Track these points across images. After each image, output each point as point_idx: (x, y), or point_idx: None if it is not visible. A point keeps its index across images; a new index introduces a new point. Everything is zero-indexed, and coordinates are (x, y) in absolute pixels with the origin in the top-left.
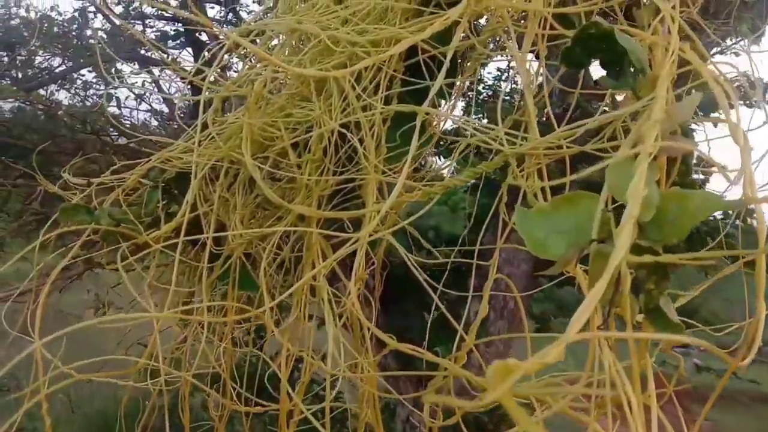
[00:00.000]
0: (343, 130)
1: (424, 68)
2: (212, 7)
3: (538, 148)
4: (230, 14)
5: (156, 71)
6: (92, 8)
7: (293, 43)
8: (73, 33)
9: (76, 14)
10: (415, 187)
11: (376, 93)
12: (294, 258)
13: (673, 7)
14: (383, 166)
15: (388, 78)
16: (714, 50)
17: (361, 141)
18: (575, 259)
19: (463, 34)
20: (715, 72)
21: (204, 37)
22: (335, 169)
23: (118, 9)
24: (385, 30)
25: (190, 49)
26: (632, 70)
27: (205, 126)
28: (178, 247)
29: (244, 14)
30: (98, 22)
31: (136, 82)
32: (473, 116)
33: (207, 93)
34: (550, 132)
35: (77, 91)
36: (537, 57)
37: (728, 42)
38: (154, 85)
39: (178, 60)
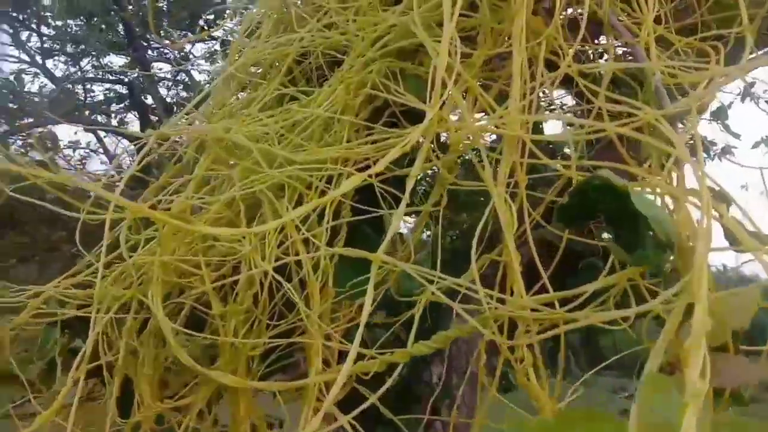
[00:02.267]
0: (278, 277)
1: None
2: (159, 68)
3: (524, 308)
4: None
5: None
6: (31, 70)
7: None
8: (10, 96)
9: (11, 77)
10: (370, 354)
11: (320, 221)
12: None
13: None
14: (330, 316)
15: (335, 204)
16: None
17: (302, 282)
18: None
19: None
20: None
21: (149, 101)
22: (269, 322)
23: (58, 72)
24: (330, 149)
25: (135, 112)
26: (651, 234)
27: (113, 248)
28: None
29: (195, 73)
30: (35, 85)
31: (80, 142)
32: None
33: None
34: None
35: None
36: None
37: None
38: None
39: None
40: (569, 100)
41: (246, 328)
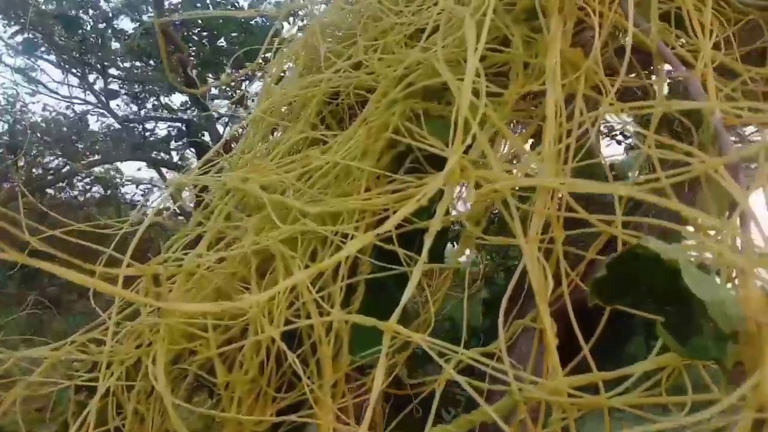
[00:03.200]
0: (284, 347)
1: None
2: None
3: (560, 391)
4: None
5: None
6: (96, 111)
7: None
8: (73, 137)
9: (77, 118)
10: None
11: (335, 277)
12: None
13: None
14: (343, 388)
15: (350, 261)
16: None
17: (313, 346)
18: None
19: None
20: None
21: (207, 137)
22: (276, 394)
23: (121, 112)
24: (346, 201)
25: (193, 149)
26: (708, 321)
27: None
28: None
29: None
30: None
31: (144, 179)
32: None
33: None
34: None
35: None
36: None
37: None
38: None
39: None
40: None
41: (251, 399)
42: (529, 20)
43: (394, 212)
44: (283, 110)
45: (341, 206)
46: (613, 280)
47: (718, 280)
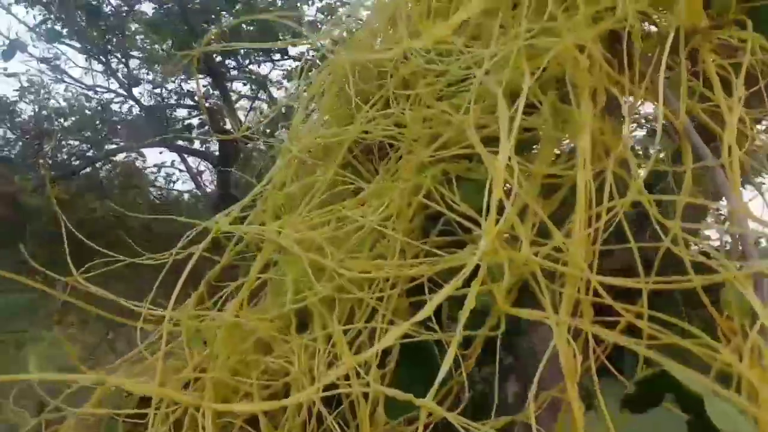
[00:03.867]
0: (323, 409)
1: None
2: (239, 92)
3: None
4: (260, 93)
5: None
6: (118, 99)
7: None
8: (97, 123)
9: (99, 106)
10: None
11: (371, 341)
12: None
13: None
14: None
15: (387, 321)
16: None
17: (351, 404)
18: None
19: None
20: None
21: (228, 125)
22: None
23: (144, 99)
24: (380, 265)
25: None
26: None
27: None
28: None
29: (274, 90)
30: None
31: (165, 162)
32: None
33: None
34: None
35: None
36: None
37: None
38: (183, 163)
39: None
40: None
41: None
42: (558, 87)
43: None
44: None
45: (376, 272)
46: (640, 397)
47: (739, 414)
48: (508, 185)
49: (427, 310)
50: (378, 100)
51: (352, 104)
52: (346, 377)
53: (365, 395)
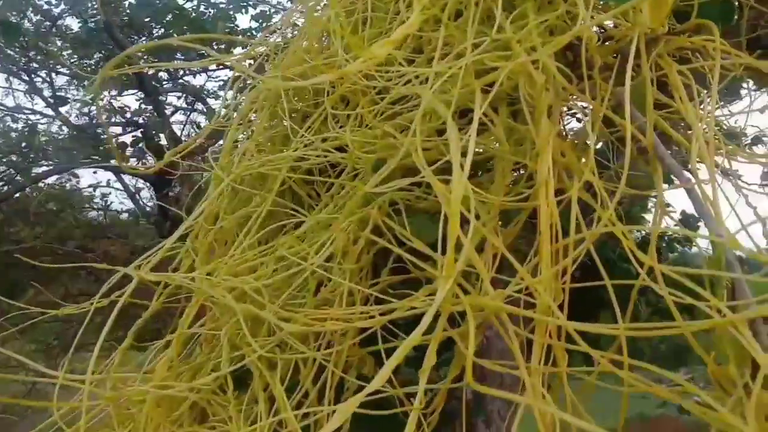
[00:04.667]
0: None
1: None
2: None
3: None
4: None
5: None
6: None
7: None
8: (24, 147)
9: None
10: None
11: (320, 401)
12: None
13: None
14: None
15: (335, 383)
16: None
17: None
18: None
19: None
20: None
21: (164, 141)
22: None
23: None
24: (326, 314)
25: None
26: None
27: None
28: None
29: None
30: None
31: (101, 182)
32: None
33: None
34: None
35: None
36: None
37: None
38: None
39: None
40: None
41: None
42: (510, 103)
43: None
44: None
45: (322, 323)
46: None
47: None
48: (463, 216)
49: (379, 380)
50: (315, 120)
51: (286, 126)
52: None
53: None
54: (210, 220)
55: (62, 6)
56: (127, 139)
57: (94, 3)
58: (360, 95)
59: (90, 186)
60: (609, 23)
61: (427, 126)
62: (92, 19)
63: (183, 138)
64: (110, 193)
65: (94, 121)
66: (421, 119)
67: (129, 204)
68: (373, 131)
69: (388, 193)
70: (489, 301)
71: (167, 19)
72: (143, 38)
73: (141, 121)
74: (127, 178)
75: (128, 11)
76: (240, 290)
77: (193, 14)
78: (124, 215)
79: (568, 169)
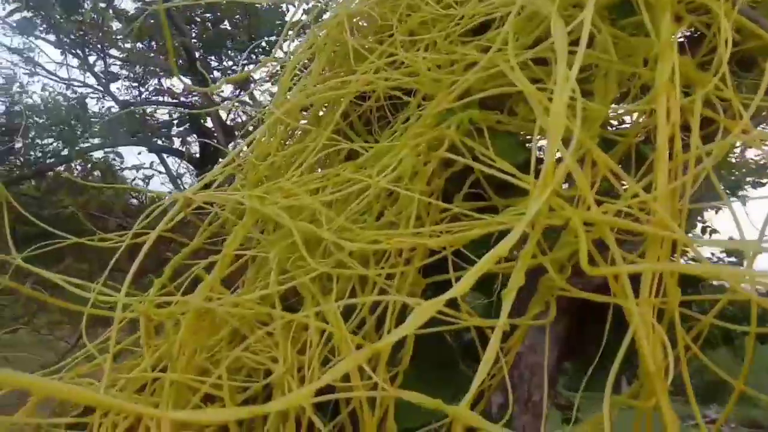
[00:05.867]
0: (318, 420)
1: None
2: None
3: None
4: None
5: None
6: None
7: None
8: (72, 120)
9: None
10: None
11: (378, 331)
12: None
13: None
14: None
15: (397, 311)
16: None
17: (353, 415)
18: None
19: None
20: None
21: (209, 123)
22: None
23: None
24: (392, 235)
25: (195, 135)
26: None
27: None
28: None
29: (257, 93)
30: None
31: (144, 164)
32: None
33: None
34: None
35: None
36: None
37: None
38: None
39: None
40: None
41: None
42: (613, 19)
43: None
44: (301, 113)
45: (386, 243)
46: None
47: None
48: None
49: (464, 283)
50: (381, 55)
51: (350, 60)
52: (346, 378)
53: (371, 401)
54: (260, 159)
55: None
56: (173, 120)
57: None
58: (429, 29)
59: (133, 167)
60: None
61: (515, 44)
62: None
63: (228, 122)
64: (152, 176)
65: (142, 97)
66: (506, 39)
67: (170, 187)
68: (448, 55)
69: (467, 112)
70: (597, 215)
71: (222, 5)
72: (195, 24)
73: (188, 102)
74: (170, 161)
75: None
76: (294, 211)
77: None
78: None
79: (690, 82)
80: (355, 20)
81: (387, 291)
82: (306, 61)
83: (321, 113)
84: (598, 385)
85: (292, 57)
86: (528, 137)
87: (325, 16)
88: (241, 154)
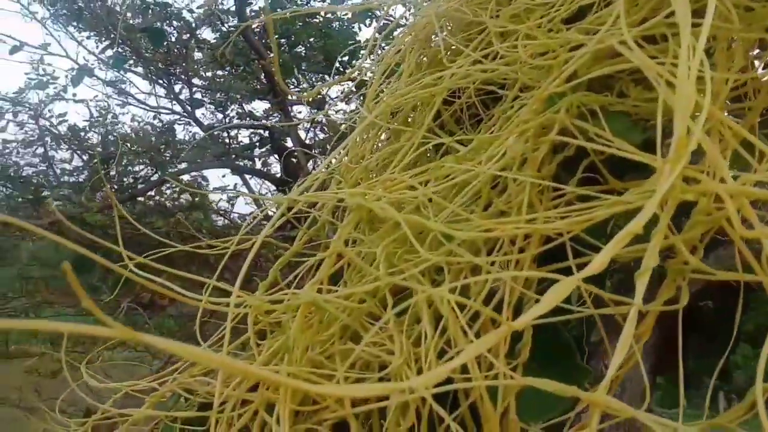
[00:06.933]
0: (440, 410)
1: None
2: (299, 112)
3: None
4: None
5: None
6: (183, 120)
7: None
8: (161, 146)
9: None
10: None
11: (493, 323)
12: None
13: None
14: None
15: (515, 300)
16: None
17: (474, 408)
18: None
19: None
20: None
21: (289, 143)
22: None
23: (207, 120)
24: (504, 222)
25: (276, 155)
26: None
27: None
28: None
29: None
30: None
31: (228, 185)
32: None
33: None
34: None
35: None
36: None
37: None
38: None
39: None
40: None
41: None
42: None
43: (569, 235)
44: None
45: (499, 230)
46: None
47: None
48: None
49: (601, 259)
50: (476, 48)
51: (438, 61)
52: (464, 370)
53: (492, 394)
54: (355, 162)
55: (201, 15)
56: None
57: (229, 16)
58: (524, 16)
59: (217, 189)
60: None
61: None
62: (229, 25)
63: (307, 141)
64: (237, 198)
65: (225, 121)
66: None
67: (254, 207)
68: (544, 41)
69: (576, 95)
70: (738, 187)
71: (296, 28)
72: (270, 50)
73: (269, 124)
74: (253, 183)
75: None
76: (397, 206)
77: (320, 24)
78: (247, 218)
79: None
80: (441, 21)
81: (500, 282)
82: (394, 67)
83: (410, 117)
84: (693, 403)
85: (379, 63)
86: (641, 119)
87: (396, 33)
88: (333, 161)
